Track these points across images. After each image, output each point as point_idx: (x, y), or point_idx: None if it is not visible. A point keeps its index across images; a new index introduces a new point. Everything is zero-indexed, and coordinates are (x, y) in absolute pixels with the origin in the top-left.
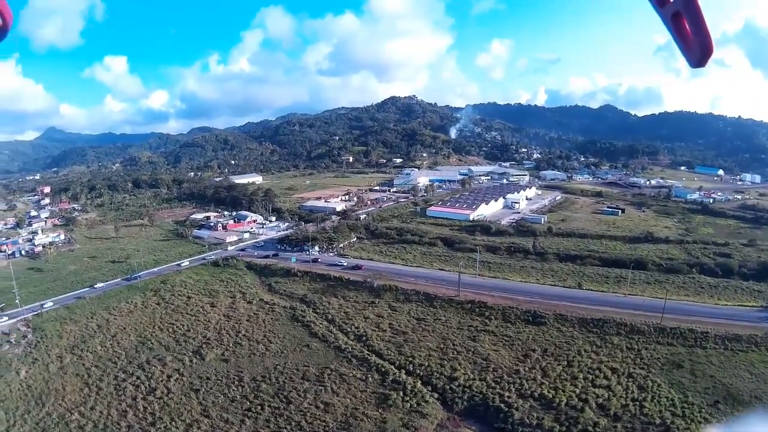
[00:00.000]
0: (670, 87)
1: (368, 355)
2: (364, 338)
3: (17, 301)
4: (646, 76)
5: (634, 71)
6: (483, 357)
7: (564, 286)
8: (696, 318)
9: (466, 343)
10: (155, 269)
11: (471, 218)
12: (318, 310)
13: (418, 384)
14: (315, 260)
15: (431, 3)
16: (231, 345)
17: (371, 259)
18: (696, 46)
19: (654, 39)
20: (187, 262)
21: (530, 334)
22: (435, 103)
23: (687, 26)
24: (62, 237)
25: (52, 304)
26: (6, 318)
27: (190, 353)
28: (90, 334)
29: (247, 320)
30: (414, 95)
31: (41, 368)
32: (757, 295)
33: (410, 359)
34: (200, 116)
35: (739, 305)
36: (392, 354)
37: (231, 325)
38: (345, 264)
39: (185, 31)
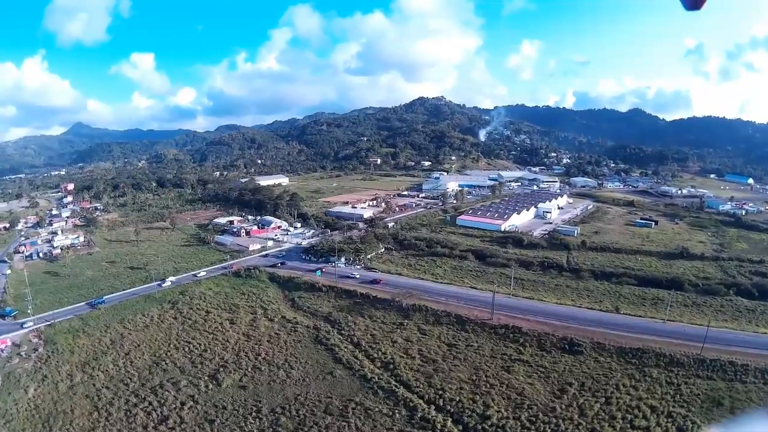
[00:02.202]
0: (699, 91)
1: (395, 386)
2: (391, 366)
3: (29, 310)
4: (674, 79)
5: (663, 74)
6: (517, 391)
7: (601, 310)
8: (735, 348)
9: (500, 375)
10: (174, 278)
11: (502, 229)
12: (343, 332)
13: (449, 422)
14: (320, 269)
15: (461, 3)
16: (250, 369)
17: (399, 274)
18: None
19: (684, 42)
20: (204, 273)
21: (567, 365)
22: (463, 105)
23: None
24: (82, 239)
25: (32, 324)
26: None
27: (206, 377)
28: (102, 350)
29: (267, 341)
30: (442, 96)
31: (50, 387)
32: None
33: (440, 392)
34: (228, 114)
35: None
36: (421, 386)
37: (251, 346)
38: (357, 276)
39: (213, 28)
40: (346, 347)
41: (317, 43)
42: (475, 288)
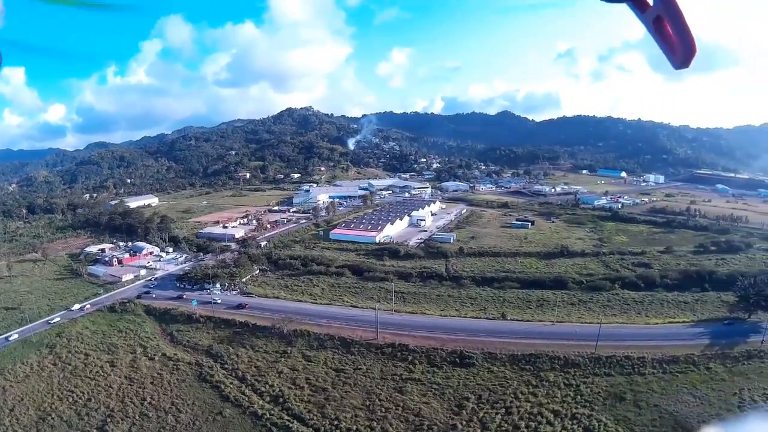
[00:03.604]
0: (570, 92)
1: (288, 421)
2: (281, 399)
3: None
4: (545, 82)
5: (533, 77)
6: (414, 412)
7: (487, 318)
8: (630, 342)
9: (394, 397)
10: (51, 318)
11: (377, 240)
12: (226, 366)
13: None
14: (180, 297)
15: (332, 12)
16: (137, 417)
17: (277, 297)
18: (679, 48)
19: (556, 46)
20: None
21: (460, 379)
22: (331, 114)
23: (669, 29)
24: None
25: None
26: None
27: (95, 430)
28: None
29: (151, 383)
30: (310, 106)
31: None
32: (683, 307)
33: (336, 422)
34: (97, 131)
35: (670, 322)
36: (315, 417)
37: (135, 391)
38: (219, 301)
39: (83, 41)
40: (231, 383)
41: (187, 54)
42: (356, 306)
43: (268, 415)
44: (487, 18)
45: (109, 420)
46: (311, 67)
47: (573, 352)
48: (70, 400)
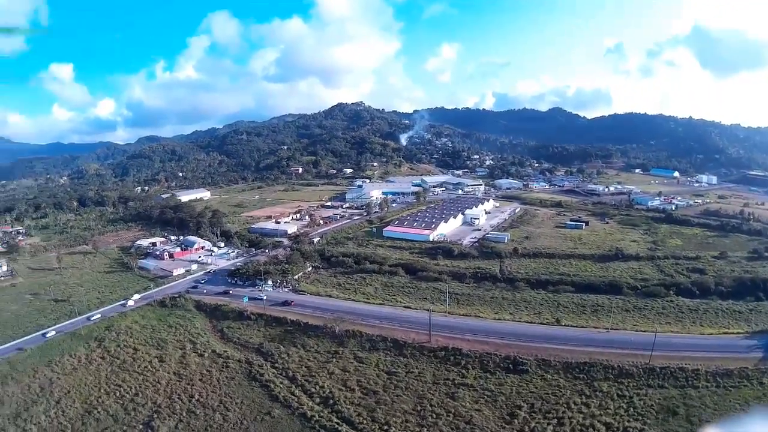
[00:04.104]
0: (619, 88)
1: (338, 424)
2: (331, 401)
3: None
4: (594, 78)
5: (582, 73)
6: (465, 419)
7: (541, 323)
8: (684, 353)
9: (445, 403)
10: (100, 311)
11: (431, 238)
12: (277, 365)
13: None
14: (226, 292)
15: (380, 7)
16: (185, 414)
17: (329, 295)
18: None
19: (603, 42)
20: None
21: (513, 386)
22: (383, 109)
23: None
24: (4, 268)
25: None
26: None
27: (141, 426)
28: (33, 398)
29: (200, 380)
30: (361, 101)
31: None
32: (738, 317)
33: (385, 427)
34: (148, 125)
35: (724, 332)
36: (365, 422)
37: (183, 387)
38: (265, 298)
39: (131, 37)
40: (281, 383)
41: (235, 50)
42: (409, 307)
43: (317, 417)
44: (533, 12)
45: (155, 416)
46: (360, 62)
47: (627, 362)
48: (117, 394)
